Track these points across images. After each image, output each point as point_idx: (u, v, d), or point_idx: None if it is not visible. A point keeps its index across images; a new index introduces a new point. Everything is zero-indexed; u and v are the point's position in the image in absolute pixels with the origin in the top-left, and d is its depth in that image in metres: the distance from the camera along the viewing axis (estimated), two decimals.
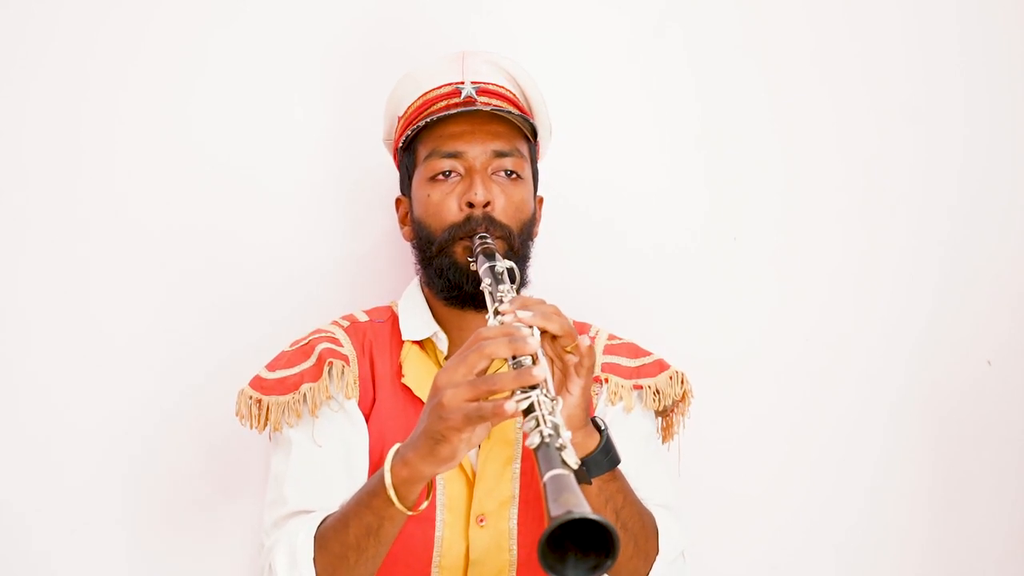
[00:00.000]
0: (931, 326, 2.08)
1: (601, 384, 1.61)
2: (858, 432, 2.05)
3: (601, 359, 1.63)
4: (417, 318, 1.64)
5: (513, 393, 1.15)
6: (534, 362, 1.20)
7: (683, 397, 1.65)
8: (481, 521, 1.53)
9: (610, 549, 0.96)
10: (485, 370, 1.21)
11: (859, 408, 2.06)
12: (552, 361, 1.34)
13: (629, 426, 1.59)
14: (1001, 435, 2.08)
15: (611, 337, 1.69)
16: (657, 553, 1.49)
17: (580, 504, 0.96)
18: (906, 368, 2.07)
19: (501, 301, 1.35)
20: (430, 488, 1.29)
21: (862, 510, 2.05)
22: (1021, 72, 2.11)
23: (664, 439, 1.69)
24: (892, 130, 2.08)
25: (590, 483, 1.31)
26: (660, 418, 1.69)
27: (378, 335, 1.63)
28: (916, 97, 2.09)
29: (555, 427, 1.11)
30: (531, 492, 1.56)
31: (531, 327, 1.27)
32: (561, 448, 1.08)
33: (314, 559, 1.37)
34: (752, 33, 2.07)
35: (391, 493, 1.25)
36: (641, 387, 1.62)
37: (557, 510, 0.95)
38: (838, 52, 2.08)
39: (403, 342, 1.62)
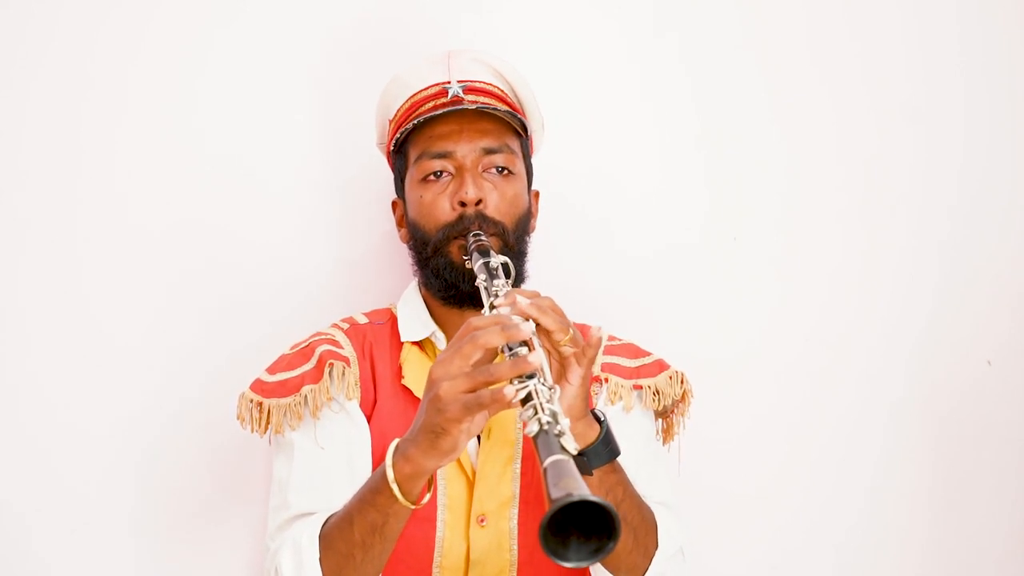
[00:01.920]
0: (931, 326, 2.08)
1: (601, 384, 1.61)
2: (858, 432, 2.05)
3: (601, 359, 1.63)
4: (415, 319, 1.64)
5: (511, 382, 1.15)
6: (530, 350, 1.20)
7: (683, 397, 1.65)
8: (482, 521, 1.53)
9: (611, 532, 0.96)
10: (481, 361, 1.21)
11: (859, 408, 2.06)
12: (549, 352, 1.33)
13: (629, 426, 1.58)
14: (1001, 435, 2.08)
15: (611, 338, 1.69)
16: (656, 548, 1.48)
17: (580, 487, 0.96)
18: (906, 368, 2.07)
19: (496, 296, 1.35)
20: (431, 482, 1.29)
21: (862, 510, 2.05)
22: (1021, 72, 2.12)
23: (665, 440, 1.69)
24: (892, 130, 2.09)
25: (591, 474, 1.31)
26: (660, 419, 1.68)
27: (378, 337, 1.63)
28: (916, 97, 2.09)
29: (553, 414, 1.11)
30: (532, 492, 1.56)
31: (526, 317, 1.27)
32: (560, 435, 1.08)
33: (320, 559, 1.37)
34: (752, 33, 2.07)
35: (394, 489, 1.25)
36: (641, 387, 1.62)
37: (557, 493, 0.95)
38: (838, 52, 2.08)
39: (402, 343, 1.62)
